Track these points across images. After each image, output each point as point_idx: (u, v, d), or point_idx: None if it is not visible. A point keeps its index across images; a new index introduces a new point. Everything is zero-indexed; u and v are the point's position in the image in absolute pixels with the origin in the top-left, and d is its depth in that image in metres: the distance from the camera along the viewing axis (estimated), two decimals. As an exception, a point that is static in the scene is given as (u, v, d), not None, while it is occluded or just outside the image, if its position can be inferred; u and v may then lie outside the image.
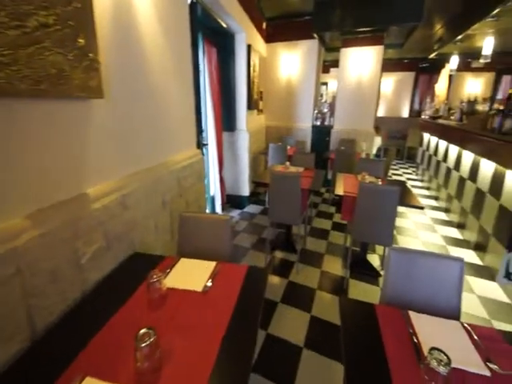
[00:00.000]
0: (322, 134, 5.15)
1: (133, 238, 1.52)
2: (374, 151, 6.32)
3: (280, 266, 2.67)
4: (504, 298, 2.27)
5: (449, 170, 4.09)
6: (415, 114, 8.11)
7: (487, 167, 2.88)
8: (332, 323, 1.97)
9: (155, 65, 1.70)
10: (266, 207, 2.61)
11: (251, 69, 3.87)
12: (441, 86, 7.02)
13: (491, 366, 0.83)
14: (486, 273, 2.62)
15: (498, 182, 2.65)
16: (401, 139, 7.93)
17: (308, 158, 3.45)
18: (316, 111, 5.13)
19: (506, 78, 6.93)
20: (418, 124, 6.16)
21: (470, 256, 2.93)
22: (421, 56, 7.12)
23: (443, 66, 6.99)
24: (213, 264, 1.32)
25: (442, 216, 3.94)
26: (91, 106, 1.23)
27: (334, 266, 2.67)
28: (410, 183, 5.61)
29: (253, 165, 4.32)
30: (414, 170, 6.76)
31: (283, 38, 4.80)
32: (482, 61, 4.11)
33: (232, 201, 4.14)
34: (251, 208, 4.11)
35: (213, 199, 3.77)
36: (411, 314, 1.03)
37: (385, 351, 0.89)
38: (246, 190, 4.14)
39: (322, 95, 8.26)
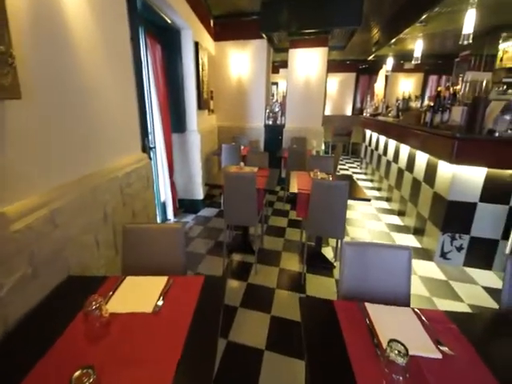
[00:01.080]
0: (274, 133, 5.21)
1: (67, 259, 1.31)
2: (323, 147, 6.62)
3: (238, 269, 2.61)
4: (441, 276, 2.52)
5: (389, 163, 4.44)
6: (357, 111, 8.75)
7: (422, 159, 3.18)
8: (292, 320, 1.98)
9: (88, 61, 1.49)
10: (222, 209, 2.53)
11: (200, 67, 3.71)
12: (379, 86, 7.65)
13: (442, 348, 0.87)
14: (425, 254, 2.89)
15: (431, 171, 2.93)
16: (346, 136, 8.44)
17: (262, 158, 3.43)
18: (268, 111, 5.17)
19: (432, 78, 7.99)
20: (361, 121, 6.61)
21: (411, 240, 3.21)
22: (361, 58, 7.65)
23: (380, 67, 7.62)
24: (164, 279, 1.19)
25: (385, 205, 4.27)
26: (3, 108, 1.01)
27: (292, 263, 2.70)
28: (355, 176, 5.99)
29: (206, 167, 4.17)
30: (358, 164, 7.25)
31: (232, 37, 4.73)
32: (413, 62, 4.54)
33: (185, 205, 3.96)
34: (206, 211, 3.97)
35: (164, 205, 3.54)
36: (367, 305, 1.05)
37: (345, 345, 0.89)
38: (199, 194, 3.98)
39: (273, 95, 8.40)
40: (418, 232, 3.22)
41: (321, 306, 1.11)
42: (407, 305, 1.21)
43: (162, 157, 3.33)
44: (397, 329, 0.94)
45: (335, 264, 2.66)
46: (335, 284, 2.39)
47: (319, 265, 2.64)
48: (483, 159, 2.38)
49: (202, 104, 3.87)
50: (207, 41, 4.31)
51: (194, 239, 3.16)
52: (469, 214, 2.56)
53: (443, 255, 2.71)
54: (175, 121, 3.54)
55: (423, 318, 0.98)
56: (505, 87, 5.04)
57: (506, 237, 2.51)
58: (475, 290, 2.36)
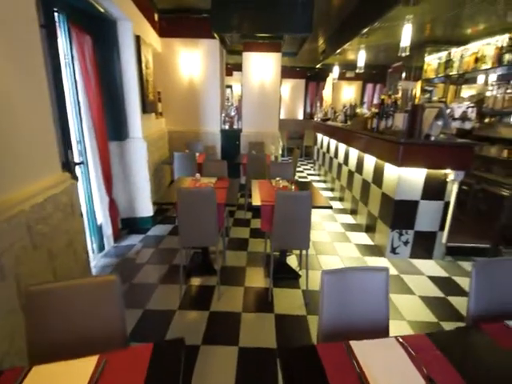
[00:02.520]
0: (231, 138, 5.09)
1: None
2: (280, 151, 6.73)
3: (199, 296, 2.30)
4: (394, 271, 2.68)
5: (340, 165, 4.67)
6: (308, 116, 9.18)
7: (370, 161, 3.38)
8: (263, 349, 1.79)
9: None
10: (177, 225, 2.11)
11: (143, 65, 3.34)
12: (327, 92, 8.11)
13: None
14: (377, 251, 3.07)
15: (379, 173, 3.13)
16: (299, 139, 8.77)
17: (220, 166, 3.19)
18: (223, 114, 5.04)
19: (369, 86, 8.99)
20: (312, 125, 6.90)
21: (363, 237, 3.39)
22: (310, 66, 8.01)
23: (327, 75, 8.08)
24: (93, 361, 0.84)
25: (338, 205, 4.48)
26: None
27: (257, 278, 2.55)
28: (310, 178, 6.22)
29: (155, 178, 3.73)
30: (312, 165, 7.54)
31: (181, 34, 4.48)
32: (357, 71, 4.87)
33: (130, 225, 3.38)
34: (157, 229, 3.45)
35: (100, 230, 2.93)
36: (352, 344, 0.95)
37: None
38: (148, 210, 3.46)
39: (228, 98, 8.29)
40: (369, 229, 3.41)
41: (303, 354, 0.96)
42: (387, 325, 1.16)
43: (97, 171, 2.81)
44: (387, 370, 0.86)
45: (300, 273, 2.60)
46: (302, 296, 2.32)
47: (285, 276, 2.57)
48: (423, 161, 2.61)
49: (147, 106, 3.47)
50: (151, 35, 3.97)
51: (142, 267, 2.66)
52: (412, 211, 2.79)
53: (393, 250, 2.90)
54: (113, 127, 3.02)
55: (410, 350, 0.91)
56: (428, 95, 5.71)
57: (442, 228, 2.81)
58: (422, 280, 2.57)
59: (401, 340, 0.95)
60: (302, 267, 2.65)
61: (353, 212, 4.02)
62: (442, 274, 2.68)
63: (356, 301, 1.16)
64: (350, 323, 1.15)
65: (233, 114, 5.15)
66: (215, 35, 4.28)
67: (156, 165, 3.86)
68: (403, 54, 3.16)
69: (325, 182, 5.78)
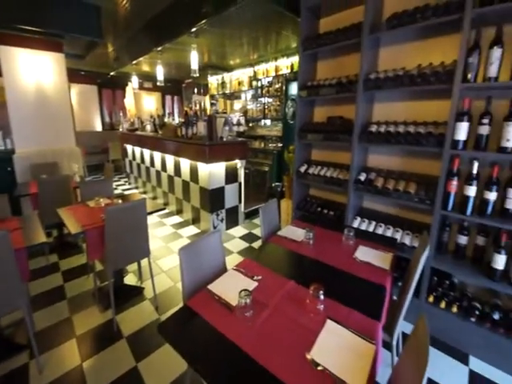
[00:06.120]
0: (-5, 163, 3.99)
1: None
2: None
3: None
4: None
5: (158, 173, 5.16)
6: (109, 127, 8.81)
7: (185, 164, 4.15)
8: (125, 372, 1.82)
9: None
10: None
11: None
12: (129, 102, 8.22)
13: (256, 278, 1.48)
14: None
15: (194, 172, 3.96)
16: (102, 153, 8.13)
17: None
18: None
19: (168, 97, 10.29)
20: (119, 137, 6.84)
21: (192, 229, 4.15)
22: (104, 71, 7.82)
23: (126, 84, 8.22)
24: None
25: (165, 211, 4.95)
26: None
27: (92, 319, 2.32)
28: (128, 193, 6.22)
29: None
30: (125, 180, 7.33)
31: None
32: (158, 84, 5.53)
33: None
34: None
35: None
36: (209, 286, 1.39)
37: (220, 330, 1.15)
38: None
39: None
40: (196, 221, 4.21)
41: (181, 317, 1.23)
42: (225, 266, 1.77)
43: None
44: (234, 288, 1.32)
45: (143, 285, 2.73)
46: (151, 303, 2.49)
47: (127, 296, 2.58)
48: (222, 156, 3.73)
49: None
50: None
51: None
52: (222, 195, 3.92)
53: (215, 229, 3.81)
54: None
55: (241, 269, 1.53)
56: (215, 107, 7.47)
57: (240, 201, 4.19)
58: (237, 242, 3.74)
59: (234, 267, 1.58)
60: (144, 279, 2.84)
61: (179, 212, 4.66)
62: (245, 232, 4.05)
63: (204, 260, 1.63)
64: (203, 276, 1.56)
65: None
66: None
67: None
68: (194, 75, 4.17)
69: (145, 192, 6.01)
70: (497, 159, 1.86)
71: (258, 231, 3.98)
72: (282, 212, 3.65)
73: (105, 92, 8.77)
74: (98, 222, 2.16)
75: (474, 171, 1.83)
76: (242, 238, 3.86)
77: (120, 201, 2.66)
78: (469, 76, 1.79)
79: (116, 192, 6.25)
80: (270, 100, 6.03)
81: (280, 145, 5.32)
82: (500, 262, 1.77)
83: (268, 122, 6.31)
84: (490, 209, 1.80)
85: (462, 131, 1.83)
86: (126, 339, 2.11)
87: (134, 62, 5.49)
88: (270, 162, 5.20)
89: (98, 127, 8.72)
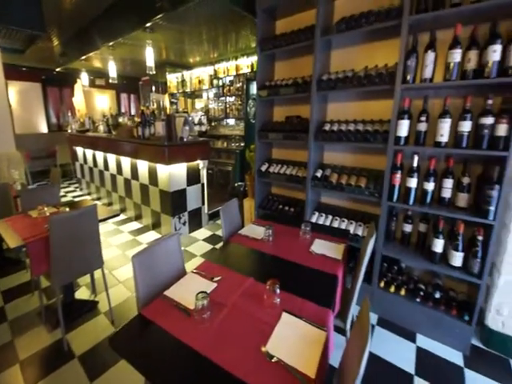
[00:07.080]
0: None
1: None
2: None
3: None
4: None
5: (113, 176, 4.92)
6: (56, 128, 8.20)
7: (143, 166, 4.01)
8: None
9: None
10: None
11: None
12: (78, 100, 7.70)
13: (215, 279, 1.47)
14: (167, 240, 3.80)
15: (153, 174, 3.84)
16: (49, 158, 7.56)
17: None
18: None
19: (123, 95, 9.82)
20: (67, 139, 6.37)
21: (152, 235, 4.02)
22: (49, 67, 7.26)
23: (74, 81, 7.68)
24: None
25: (121, 217, 4.74)
26: None
27: (38, 340, 2.15)
28: (78, 199, 5.86)
29: None
30: (76, 186, 6.89)
31: None
32: (110, 81, 5.26)
33: None
34: None
35: None
36: (166, 292, 1.36)
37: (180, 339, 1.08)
38: None
39: None
40: (156, 226, 4.08)
41: (135, 328, 1.19)
42: (184, 269, 1.73)
43: None
44: (191, 290, 1.31)
45: (97, 299, 2.62)
46: (106, 317, 2.40)
47: (79, 312, 2.45)
48: (183, 157, 3.67)
49: None
50: None
51: None
52: (184, 197, 3.85)
53: (176, 231, 3.75)
54: None
55: (200, 272, 1.54)
56: (175, 106, 7.33)
57: (203, 203, 4.18)
58: (200, 245, 3.71)
59: (194, 270, 1.58)
60: (98, 292, 2.71)
61: (138, 217, 4.49)
62: (209, 234, 4.05)
63: (161, 265, 1.58)
64: (161, 282, 1.51)
65: None
66: None
67: None
68: (150, 72, 4.05)
69: (99, 198, 5.69)
70: (433, 153, 2.09)
71: (221, 232, 3.96)
72: (246, 211, 3.69)
73: (50, 90, 8.12)
74: (42, 232, 2.01)
75: (415, 164, 2.03)
76: (206, 240, 3.84)
77: (67, 209, 2.52)
78: (408, 77, 1.97)
79: (65, 199, 5.85)
80: (232, 99, 6.05)
81: (243, 144, 5.37)
82: (439, 245, 1.99)
83: (231, 121, 6.33)
84: (429, 198, 2.00)
85: (404, 128, 2.02)
86: (77, 358, 2.00)
87: (83, 57, 5.18)
88: (234, 162, 5.24)
89: (44, 129, 8.08)
